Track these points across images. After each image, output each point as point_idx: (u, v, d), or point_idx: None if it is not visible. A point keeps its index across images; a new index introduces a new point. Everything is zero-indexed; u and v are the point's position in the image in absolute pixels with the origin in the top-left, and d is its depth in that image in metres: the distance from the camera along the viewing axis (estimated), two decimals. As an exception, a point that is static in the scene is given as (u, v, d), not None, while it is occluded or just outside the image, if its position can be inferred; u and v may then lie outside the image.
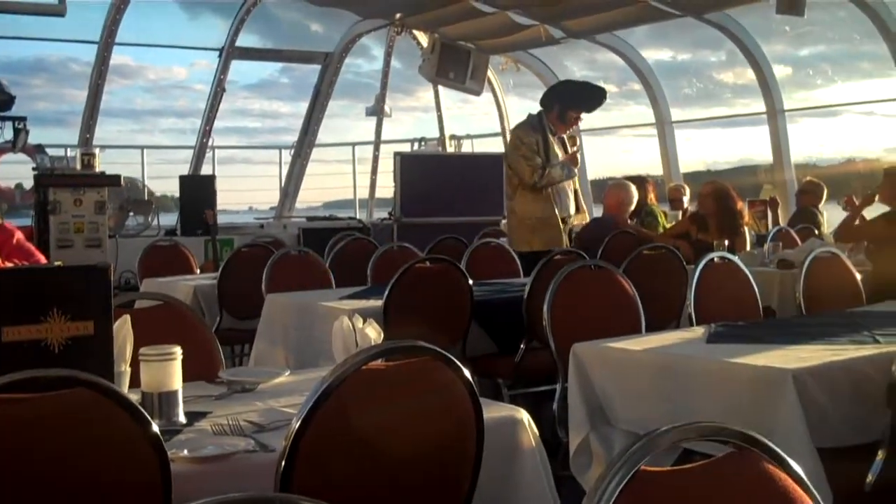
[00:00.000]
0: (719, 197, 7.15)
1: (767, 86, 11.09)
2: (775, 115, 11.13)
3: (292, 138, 14.07)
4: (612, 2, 10.04)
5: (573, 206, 7.11)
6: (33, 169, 9.84)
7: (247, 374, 3.17)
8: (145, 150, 13.20)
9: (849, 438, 2.92)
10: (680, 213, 9.13)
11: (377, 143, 14.40)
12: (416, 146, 14.15)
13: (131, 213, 11.75)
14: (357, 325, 2.83)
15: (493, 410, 2.54)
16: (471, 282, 5.13)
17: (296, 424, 2.10)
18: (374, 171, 14.47)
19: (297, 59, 14.03)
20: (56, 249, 9.33)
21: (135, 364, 2.49)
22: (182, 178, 11.93)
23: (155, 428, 1.94)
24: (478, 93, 12.42)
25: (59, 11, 8.80)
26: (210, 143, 13.07)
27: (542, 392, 4.80)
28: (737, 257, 5.13)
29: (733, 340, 3.50)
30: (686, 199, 9.74)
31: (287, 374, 3.06)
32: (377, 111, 14.07)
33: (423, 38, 12.65)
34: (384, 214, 12.65)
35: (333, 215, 13.35)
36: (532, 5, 10.09)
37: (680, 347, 3.49)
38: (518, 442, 2.53)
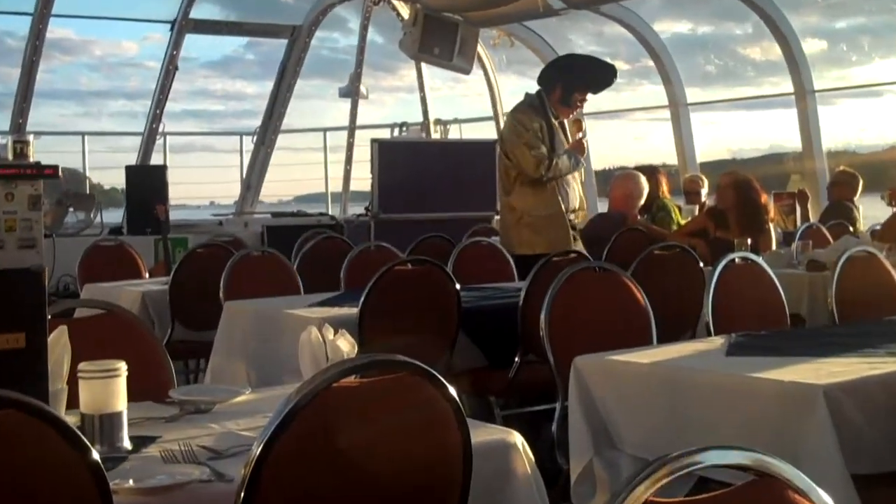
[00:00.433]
0: (740, 189, 7.16)
1: (795, 63, 11.13)
2: (804, 96, 11.16)
3: (258, 123, 14.06)
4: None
5: (578, 199, 7.06)
6: (-43, 159, 9.80)
7: (202, 392, 3.15)
8: (87, 137, 13.17)
9: (887, 463, 2.93)
10: (696, 207, 9.15)
11: (352, 129, 14.39)
12: (396, 132, 14.15)
13: (71, 209, 11.71)
14: (328, 337, 2.82)
15: (483, 433, 2.54)
16: (458, 286, 5.12)
17: (257, 450, 2.09)
18: (349, 161, 14.46)
19: (260, 32, 14.01)
20: (-16, 251, 9.29)
21: (73, 382, 2.48)
22: (129, 169, 11.89)
23: (95, 455, 1.93)
24: (466, 71, 12.42)
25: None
26: (161, 129, 13.04)
27: (539, 412, 4.80)
28: (761, 258, 5.15)
29: (756, 353, 3.51)
30: (704, 191, 9.77)
31: (248, 392, 3.06)
32: (351, 92, 14.06)
33: (404, 9, 12.64)
34: (360, 210, 12.64)
35: (302, 211, 13.34)
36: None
37: (695, 361, 3.50)
38: (511, 469, 2.52)
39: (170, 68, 12.76)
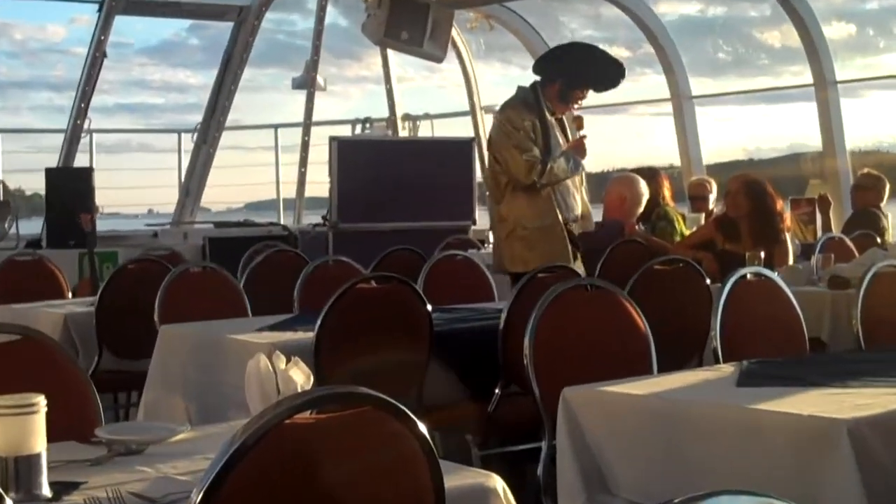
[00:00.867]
0: (752, 194, 7.19)
1: (814, 49, 11.16)
2: (824, 87, 11.20)
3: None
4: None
5: (579, 208, 7.03)
6: None
7: (133, 430, 3.15)
8: (3, 135, 13.10)
9: (920, 509, 2.94)
10: (703, 215, 9.19)
11: (307, 125, 14.38)
12: (358, 129, 14.14)
13: (-19, 219, 11.66)
14: (279, 366, 2.82)
15: (458, 477, 2.54)
16: (430, 307, 5.13)
17: (197, 497, 2.09)
18: (304, 163, 14.45)
19: (201, 14, 13.97)
20: None
21: (-17, 419, 2.47)
22: (49, 172, 11.82)
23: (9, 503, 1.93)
24: (439, 59, 12.42)
25: None
26: (87, 126, 12.98)
27: (522, 452, 4.80)
28: (776, 274, 5.17)
29: (771, 382, 3.52)
30: (711, 197, 9.79)
31: (186, 430, 3.05)
32: (307, 82, 14.05)
33: (368, -12, 12.66)
34: (316, 219, 12.63)
35: (249, 220, 13.32)
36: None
37: (701, 392, 3.51)
38: (490, 517, 2.53)
39: (97, 55, 12.69)
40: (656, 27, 12.32)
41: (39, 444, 2.42)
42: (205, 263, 7.44)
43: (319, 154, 13.44)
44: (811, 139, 11.96)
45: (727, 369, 3.85)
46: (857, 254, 7.79)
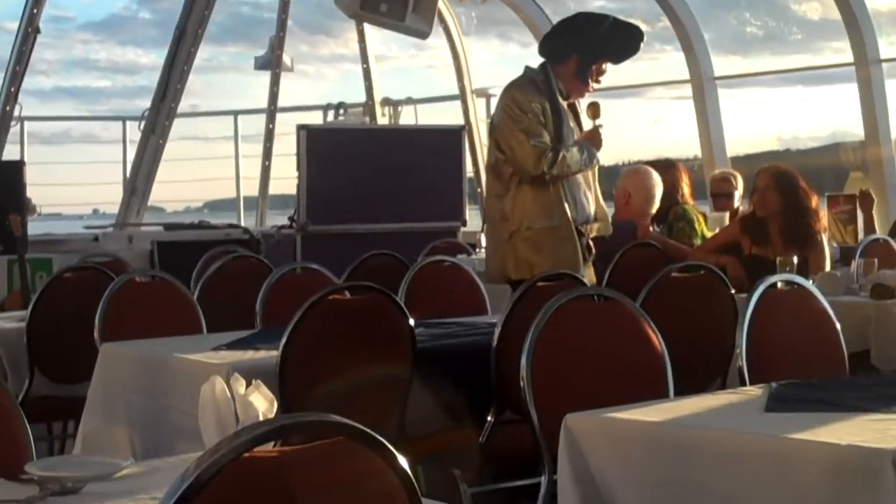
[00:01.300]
0: (783, 190, 7.21)
1: (855, 22, 11.17)
2: (866, 66, 11.20)
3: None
4: None
5: (592, 206, 6.94)
6: None
7: (70, 466, 3.15)
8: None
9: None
10: (727, 215, 9.20)
11: (271, 112, 14.39)
12: (331, 116, 14.14)
13: None
14: (238, 390, 2.82)
15: (444, 517, 2.55)
16: (412, 321, 5.14)
17: (142, 543, 2.09)
18: (268, 155, 14.44)
19: (150, -17, 14.00)
20: None
21: None
22: (-29, 167, 11.85)
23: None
24: (424, 34, 12.41)
25: None
26: (18, 113, 12.97)
27: (518, 488, 4.81)
28: (810, 282, 5.19)
29: (804, 408, 3.53)
30: (737, 193, 9.80)
31: (130, 465, 3.05)
32: (272, 62, 14.05)
33: (341, -46, 12.67)
34: (282, 220, 12.63)
35: (205, 222, 13.32)
36: None
37: (725, 419, 3.52)
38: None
39: (28, 31, 12.68)
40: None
41: (-39, 481, 2.43)
42: (153, 272, 7.44)
43: (286, 145, 13.47)
44: (857, 126, 11.94)
45: (754, 392, 3.86)
46: (903, 258, 7.81)
